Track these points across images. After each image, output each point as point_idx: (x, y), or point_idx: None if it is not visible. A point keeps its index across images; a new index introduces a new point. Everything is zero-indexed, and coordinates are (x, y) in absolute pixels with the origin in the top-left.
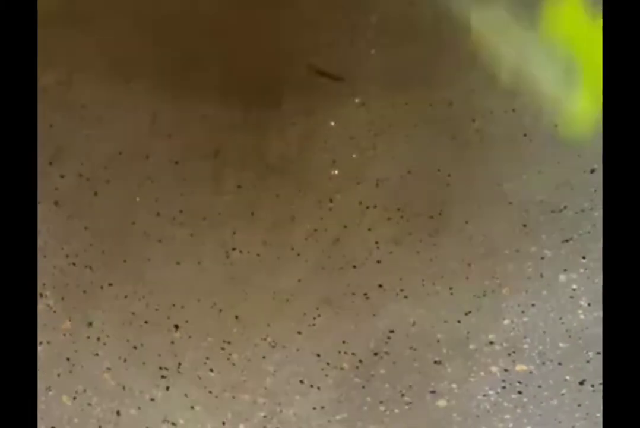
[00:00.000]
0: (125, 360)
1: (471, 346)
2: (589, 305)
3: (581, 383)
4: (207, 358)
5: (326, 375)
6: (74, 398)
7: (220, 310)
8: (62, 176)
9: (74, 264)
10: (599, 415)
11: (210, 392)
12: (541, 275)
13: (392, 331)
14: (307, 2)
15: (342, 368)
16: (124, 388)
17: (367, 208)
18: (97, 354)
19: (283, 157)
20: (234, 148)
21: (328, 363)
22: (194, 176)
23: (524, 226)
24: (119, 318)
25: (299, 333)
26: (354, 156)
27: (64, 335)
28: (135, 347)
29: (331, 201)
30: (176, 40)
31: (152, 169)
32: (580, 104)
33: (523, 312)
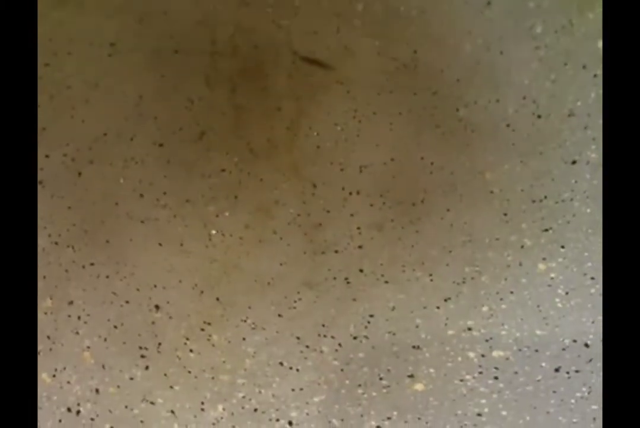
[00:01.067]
0: (105, 339)
1: (449, 332)
2: (566, 293)
3: (557, 370)
4: (187, 338)
5: (305, 358)
6: (54, 376)
7: (202, 292)
8: (46, 156)
9: (56, 243)
10: (574, 401)
11: (189, 372)
12: (520, 264)
13: (371, 316)
14: None
15: (321, 351)
16: (103, 366)
17: (350, 194)
18: (77, 333)
19: (268, 142)
20: (219, 132)
21: (307, 346)
22: (178, 159)
23: (505, 215)
24: (100, 298)
25: (280, 315)
26: (338, 142)
27: (45, 313)
28: (115, 327)
29: (315, 186)
30: (163, 24)
31: (137, 151)
32: None
33: (501, 299)
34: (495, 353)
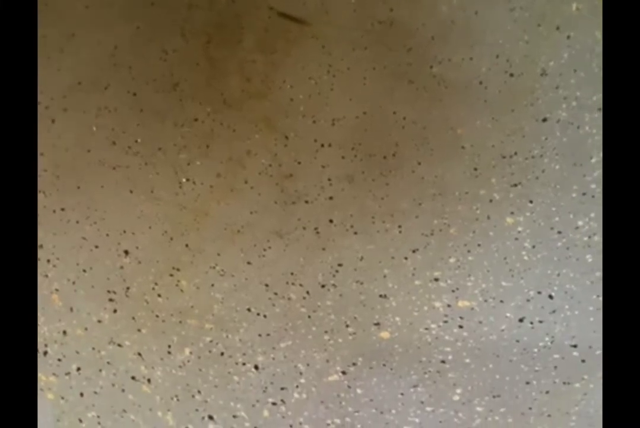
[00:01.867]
0: (74, 283)
1: (416, 282)
2: (533, 247)
3: (520, 320)
4: (156, 283)
5: (273, 305)
6: None
7: (171, 238)
8: None
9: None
10: (536, 350)
11: (157, 316)
12: (488, 217)
13: (340, 265)
14: None
15: (289, 298)
16: (71, 309)
17: (322, 146)
18: (46, 276)
19: (241, 94)
20: (193, 83)
21: (276, 293)
22: (151, 108)
23: (475, 169)
24: (70, 242)
25: (249, 263)
26: (311, 95)
27: None
28: (84, 270)
29: (287, 138)
30: None
31: (110, 99)
32: None
33: (469, 251)
34: (460, 303)
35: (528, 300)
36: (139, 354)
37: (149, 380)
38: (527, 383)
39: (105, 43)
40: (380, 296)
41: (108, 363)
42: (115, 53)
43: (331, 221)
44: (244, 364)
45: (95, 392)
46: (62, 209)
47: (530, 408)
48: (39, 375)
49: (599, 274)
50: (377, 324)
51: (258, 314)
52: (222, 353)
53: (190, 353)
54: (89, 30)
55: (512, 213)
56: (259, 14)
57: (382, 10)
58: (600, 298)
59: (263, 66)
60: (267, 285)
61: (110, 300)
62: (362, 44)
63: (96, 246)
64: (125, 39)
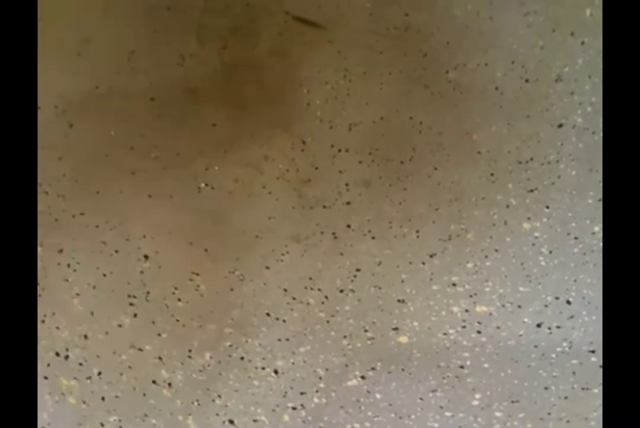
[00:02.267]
0: (94, 287)
1: (434, 287)
2: (550, 252)
3: (538, 325)
4: (176, 288)
5: (292, 309)
6: (43, 321)
7: (190, 243)
8: (38, 108)
9: (46, 193)
10: (554, 356)
11: (177, 320)
12: (505, 222)
13: (358, 270)
14: None
15: (308, 303)
16: (92, 313)
17: (339, 151)
18: (67, 280)
19: (258, 99)
20: (210, 88)
21: (294, 298)
22: (169, 113)
23: (491, 175)
24: (90, 247)
25: (267, 268)
26: (328, 100)
27: None
28: (104, 275)
29: (304, 143)
30: None
31: (129, 104)
32: None
33: (486, 257)
34: (478, 308)
35: (546, 306)
36: (160, 358)
37: (169, 384)
38: (546, 388)
39: (122, 48)
40: (399, 301)
41: (129, 367)
42: (132, 58)
43: (349, 226)
44: (263, 368)
45: (117, 396)
46: (82, 214)
47: (549, 414)
48: (61, 379)
49: None
50: (396, 329)
51: (277, 319)
52: (242, 358)
53: (210, 357)
54: (106, 35)
55: (528, 218)
56: (275, 18)
57: (398, 15)
58: None
59: (279, 71)
60: (285, 290)
61: (131, 304)
62: (378, 48)
63: (116, 251)
64: (142, 44)
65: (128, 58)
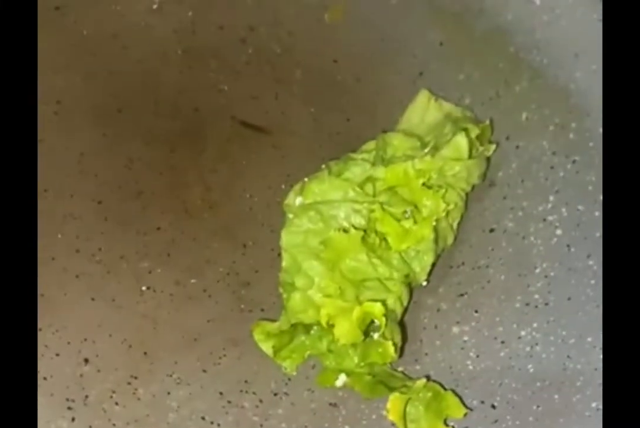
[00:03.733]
0: None
1: None
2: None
3: None
4: (114, 391)
5: (227, 413)
6: None
7: (130, 346)
8: None
9: None
10: None
11: (114, 424)
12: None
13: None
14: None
15: (242, 407)
16: None
17: (279, 255)
18: None
19: (202, 203)
20: (156, 191)
21: (229, 402)
22: (115, 216)
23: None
24: None
25: (204, 371)
26: (270, 205)
27: None
28: (45, 378)
29: (245, 246)
30: (108, 83)
31: (76, 207)
32: None
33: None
34: None
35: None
36: None
37: None
38: None
39: (72, 150)
40: (330, 404)
41: None
42: (82, 160)
43: None
44: None
45: None
46: None
47: None
48: None
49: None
50: None
51: (212, 422)
52: None
53: None
54: (57, 136)
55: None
56: (222, 123)
57: (339, 120)
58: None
59: (224, 175)
60: (221, 393)
61: (69, 408)
62: (320, 154)
63: (57, 354)
64: (92, 146)
65: (78, 160)
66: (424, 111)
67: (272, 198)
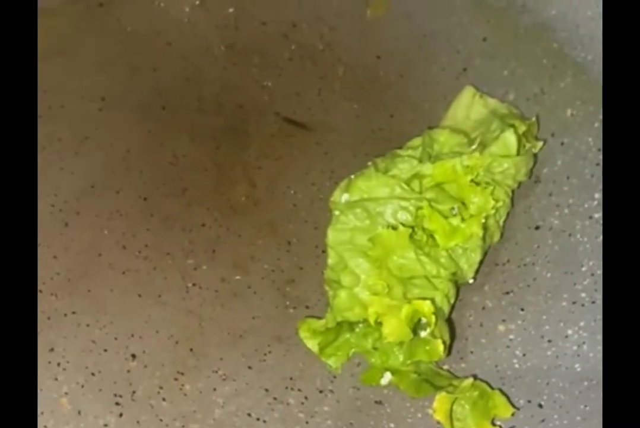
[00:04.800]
0: (82, 386)
1: None
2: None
3: None
4: (161, 387)
5: (272, 409)
6: None
7: (177, 342)
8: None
9: (40, 291)
10: None
11: (161, 420)
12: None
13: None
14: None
15: (288, 404)
16: (79, 412)
17: (323, 251)
18: (56, 379)
19: (247, 199)
20: (201, 188)
21: (275, 398)
22: (161, 213)
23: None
24: (80, 346)
25: (250, 367)
26: (313, 201)
27: None
28: (93, 374)
29: (289, 243)
30: (152, 80)
31: (122, 203)
32: None
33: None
34: None
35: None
36: None
37: None
38: None
39: (118, 146)
40: (376, 402)
41: None
42: (128, 156)
43: None
44: None
45: None
46: (74, 313)
47: None
48: None
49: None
50: None
51: (257, 419)
52: None
53: None
54: (102, 133)
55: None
56: (265, 119)
57: (382, 116)
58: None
59: (268, 171)
60: (266, 390)
61: (117, 403)
62: (363, 150)
63: (105, 350)
64: (138, 143)
65: (123, 157)
66: (469, 107)
67: (316, 195)
